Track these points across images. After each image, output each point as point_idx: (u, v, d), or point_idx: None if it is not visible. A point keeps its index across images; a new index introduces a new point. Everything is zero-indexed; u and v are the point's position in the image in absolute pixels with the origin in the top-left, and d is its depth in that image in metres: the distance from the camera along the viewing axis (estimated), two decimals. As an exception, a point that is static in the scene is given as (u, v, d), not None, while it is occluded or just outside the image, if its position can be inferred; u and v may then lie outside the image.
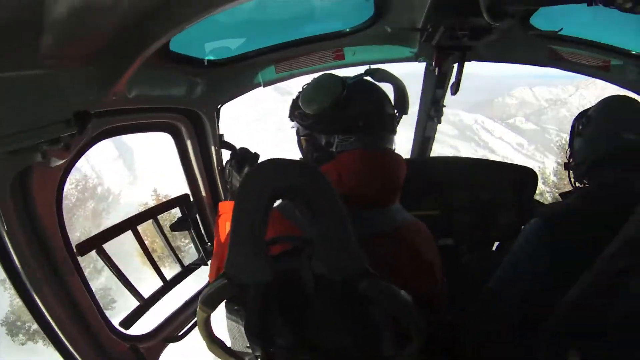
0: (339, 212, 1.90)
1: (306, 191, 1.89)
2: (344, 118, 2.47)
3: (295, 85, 4.02)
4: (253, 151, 3.22)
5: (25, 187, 2.45)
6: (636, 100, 2.75)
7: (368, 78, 2.62)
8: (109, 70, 2.42)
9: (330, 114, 2.47)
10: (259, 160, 3.13)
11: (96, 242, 3.09)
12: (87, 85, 2.39)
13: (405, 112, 2.68)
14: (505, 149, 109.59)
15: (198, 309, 2.09)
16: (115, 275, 3.23)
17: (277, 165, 1.96)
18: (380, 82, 2.64)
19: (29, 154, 2.23)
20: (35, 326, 37.94)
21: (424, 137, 4.79)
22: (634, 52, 3.89)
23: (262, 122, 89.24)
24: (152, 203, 46.53)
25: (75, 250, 2.88)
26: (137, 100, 2.91)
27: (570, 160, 2.96)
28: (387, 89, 2.64)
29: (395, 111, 2.62)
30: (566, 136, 3.73)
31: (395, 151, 2.63)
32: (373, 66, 2.72)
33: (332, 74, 2.56)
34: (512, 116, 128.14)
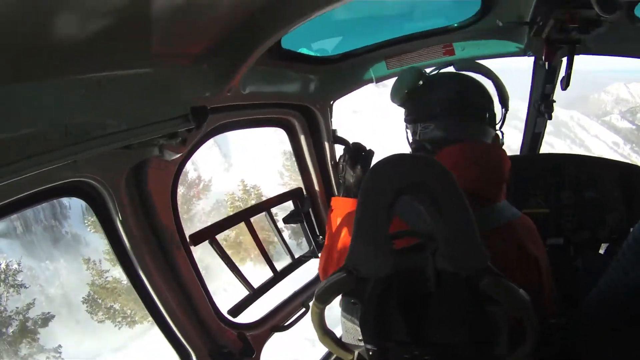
0: (465, 208, 1.89)
1: (432, 187, 1.89)
2: (422, 106, 2.59)
3: (392, 79, 4.01)
4: (367, 147, 3.24)
5: (141, 180, 2.56)
6: None
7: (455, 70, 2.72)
8: (223, 68, 2.51)
9: (411, 104, 2.63)
10: (373, 157, 3.15)
11: (209, 233, 3.17)
12: (203, 82, 2.49)
13: (503, 104, 2.71)
14: (600, 147, 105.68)
15: (313, 300, 2.13)
16: (227, 265, 3.30)
17: (403, 160, 1.96)
18: (462, 70, 2.71)
19: (146, 148, 2.34)
20: (113, 305, 39.53)
21: (534, 133, 4.68)
22: None
23: (359, 114, 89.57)
24: (239, 193, 48.12)
25: (188, 240, 2.99)
26: (251, 96, 2.97)
27: None
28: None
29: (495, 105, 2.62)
30: None
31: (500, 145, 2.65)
32: (482, 61, 2.73)
33: (414, 68, 2.67)
34: (608, 113, 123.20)
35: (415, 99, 2.62)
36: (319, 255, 3.95)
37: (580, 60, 3.71)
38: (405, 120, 2.70)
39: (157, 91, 2.20)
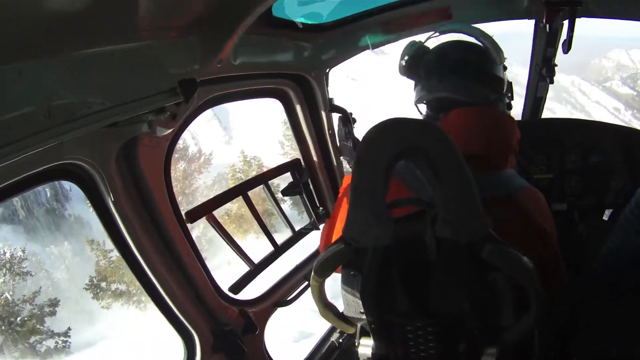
0: (465, 173, 1.82)
1: (429, 151, 1.82)
2: (415, 74, 2.67)
3: (391, 46, 3.97)
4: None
5: (131, 158, 2.51)
6: None
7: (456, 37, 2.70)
8: (212, 39, 2.45)
9: (410, 74, 2.70)
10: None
11: (206, 209, 3.13)
12: (191, 54, 2.42)
13: (497, 59, 2.59)
14: (601, 113, 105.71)
15: (312, 274, 2.08)
16: (225, 241, 3.26)
17: (399, 124, 1.90)
18: (445, 33, 2.86)
19: (135, 125, 2.29)
20: (118, 286, 39.85)
21: (536, 97, 4.62)
22: None
23: (357, 82, 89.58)
24: (239, 165, 48.41)
25: (184, 217, 2.94)
26: (243, 67, 2.93)
27: None
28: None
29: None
30: None
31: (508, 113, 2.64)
32: (481, 25, 2.69)
33: (415, 41, 2.76)
34: (609, 79, 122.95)
35: (411, 69, 2.67)
36: (321, 227, 3.97)
37: (580, 26, 3.64)
38: None
39: (143, 66, 2.14)
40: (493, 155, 2.35)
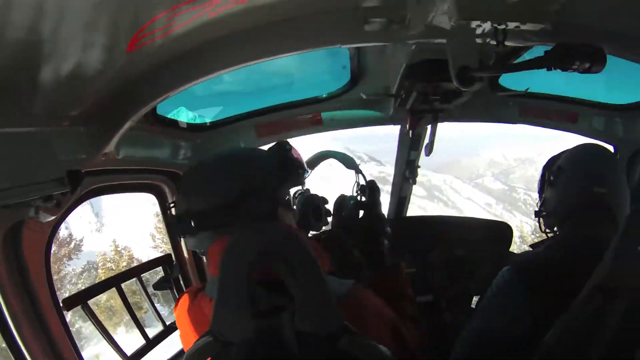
0: (319, 273, 1.94)
1: (288, 255, 1.93)
2: None
3: (342, 132, 4.15)
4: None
5: (16, 240, 2.48)
6: (604, 148, 2.78)
7: None
8: (99, 132, 2.49)
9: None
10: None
11: (82, 298, 3.09)
12: (79, 145, 2.45)
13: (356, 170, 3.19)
14: (473, 209, 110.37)
15: None
16: (99, 331, 3.22)
17: (259, 232, 2.02)
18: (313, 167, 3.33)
19: (22, 209, 2.27)
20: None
21: (400, 197, 4.92)
22: (600, 103, 4.09)
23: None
24: (110, 254, 46.82)
25: (61, 304, 2.88)
26: (125, 161, 2.99)
27: (541, 209, 2.95)
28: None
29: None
30: (534, 195, 3.82)
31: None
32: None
33: None
34: (481, 176, 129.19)
35: None
36: None
37: (453, 125, 4.01)
38: None
39: (36, 151, 2.15)
40: None
